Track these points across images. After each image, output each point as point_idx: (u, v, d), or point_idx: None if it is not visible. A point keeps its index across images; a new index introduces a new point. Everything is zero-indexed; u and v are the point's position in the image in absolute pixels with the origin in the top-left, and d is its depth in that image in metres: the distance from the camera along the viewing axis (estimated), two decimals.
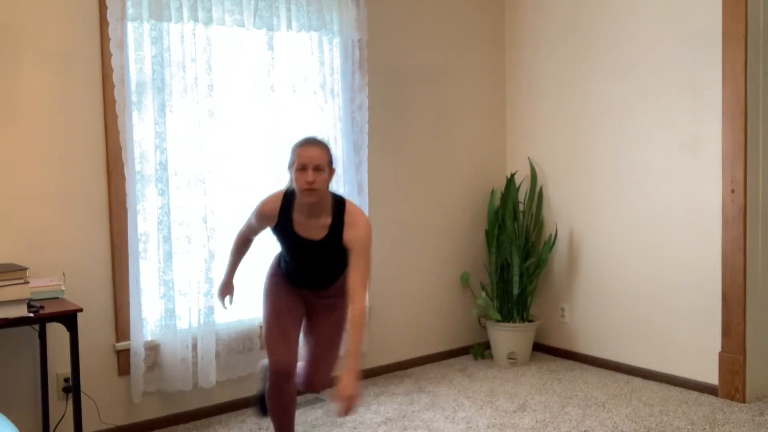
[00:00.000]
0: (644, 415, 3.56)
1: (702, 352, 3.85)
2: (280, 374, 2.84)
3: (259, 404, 3.23)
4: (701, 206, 3.81)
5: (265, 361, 3.21)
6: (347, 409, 2.61)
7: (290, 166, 2.77)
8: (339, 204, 2.83)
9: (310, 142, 2.76)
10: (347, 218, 2.81)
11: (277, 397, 2.90)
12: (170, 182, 3.43)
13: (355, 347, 2.67)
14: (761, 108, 3.67)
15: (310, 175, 2.68)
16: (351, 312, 2.70)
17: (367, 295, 2.77)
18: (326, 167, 2.74)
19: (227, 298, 3.25)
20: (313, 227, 2.83)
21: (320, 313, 3.03)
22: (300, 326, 3.02)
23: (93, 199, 3.32)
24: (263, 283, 3.04)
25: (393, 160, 4.34)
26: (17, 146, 3.12)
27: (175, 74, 3.41)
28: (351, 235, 2.79)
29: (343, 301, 3.01)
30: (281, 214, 2.84)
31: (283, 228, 2.86)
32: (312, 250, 2.85)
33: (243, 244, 3.13)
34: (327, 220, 2.81)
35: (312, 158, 2.69)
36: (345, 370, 2.64)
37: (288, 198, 2.84)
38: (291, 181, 2.81)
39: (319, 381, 3.01)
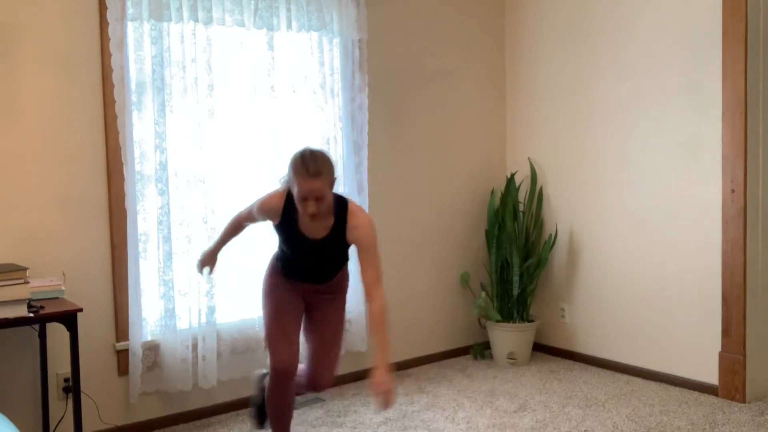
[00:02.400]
0: (644, 415, 3.56)
1: (702, 352, 3.85)
2: (282, 373, 2.85)
3: (257, 414, 3.20)
4: (701, 206, 3.81)
5: (260, 371, 3.26)
6: (387, 403, 2.63)
7: (291, 185, 2.72)
8: (341, 205, 2.83)
9: (311, 174, 2.63)
10: (350, 219, 2.81)
11: (279, 397, 2.91)
12: (170, 182, 3.43)
13: (384, 342, 2.68)
14: (761, 108, 3.67)
15: (312, 206, 2.66)
16: (372, 309, 2.71)
17: (383, 290, 2.77)
18: (328, 191, 2.69)
19: (207, 268, 3.18)
20: (315, 227, 2.83)
21: (319, 309, 3.03)
22: (300, 324, 3.02)
23: (93, 199, 3.32)
24: (262, 283, 3.04)
25: (393, 160, 4.34)
26: (17, 146, 3.12)
27: (175, 74, 3.41)
28: (356, 235, 2.79)
29: (342, 297, 3.04)
30: (284, 212, 2.84)
31: (287, 225, 2.85)
32: (314, 247, 2.86)
33: (237, 228, 3.08)
34: (330, 220, 2.82)
35: (313, 191, 2.64)
36: (378, 366, 2.64)
37: (291, 199, 2.83)
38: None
39: (323, 380, 2.99)
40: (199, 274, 3.24)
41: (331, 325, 3.02)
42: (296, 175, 2.66)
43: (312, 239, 2.84)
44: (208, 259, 3.17)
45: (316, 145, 3.89)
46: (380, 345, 2.68)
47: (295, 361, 2.88)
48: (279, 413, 2.95)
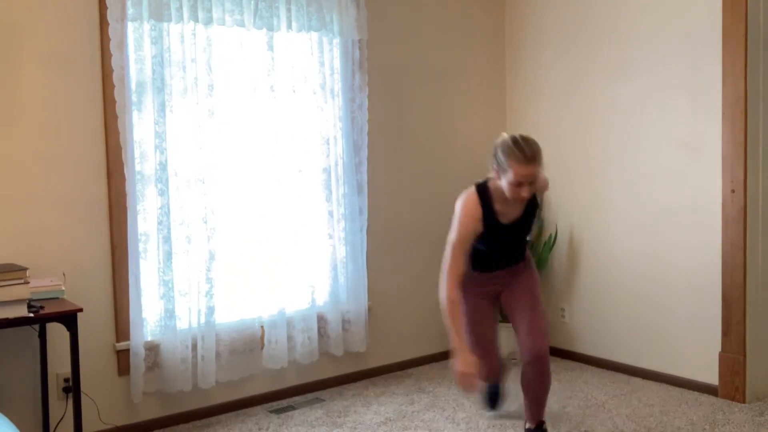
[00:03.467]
0: (644, 415, 3.56)
1: (702, 352, 3.85)
2: (488, 381, 3.21)
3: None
4: (701, 206, 3.81)
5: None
6: (465, 387, 2.79)
7: (501, 170, 2.74)
8: None
9: (528, 159, 2.66)
10: (538, 186, 2.87)
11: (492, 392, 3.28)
12: (170, 182, 3.43)
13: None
14: (761, 108, 3.67)
15: (525, 191, 2.70)
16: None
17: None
18: (539, 175, 2.77)
19: (476, 376, 2.83)
20: (513, 209, 2.87)
21: (513, 284, 3.06)
22: (497, 328, 3.13)
23: (93, 199, 3.32)
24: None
25: (393, 160, 4.34)
26: (17, 146, 3.12)
27: (175, 74, 3.41)
28: (540, 189, 2.90)
29: (527, 269, 3.11)
30: (484, 211, 2.85)
31: (488, 223, 2.86)
32: (512, 231, 2.90)
33: (462, 262, 2.86)
34: None
35: (527, 176, 2.68)
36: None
37: (482, 193, 2.85)
38: (494, 177, 2.83)
39: (538, 344, 2.95)
40: (472, 390, 2.91)
41: (524, 294, 3.03)
42: (512, 160, 2.67)
43: (509, 224, 2.88)
44: (472, 364, 2.81)
45: (317, 143, 3.90)
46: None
47: (497, 370, 3.20)
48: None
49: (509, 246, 2.99)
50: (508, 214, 2.89)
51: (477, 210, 2.85)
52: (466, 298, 2.98)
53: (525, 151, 2.66)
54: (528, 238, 3.10)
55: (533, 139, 2.76)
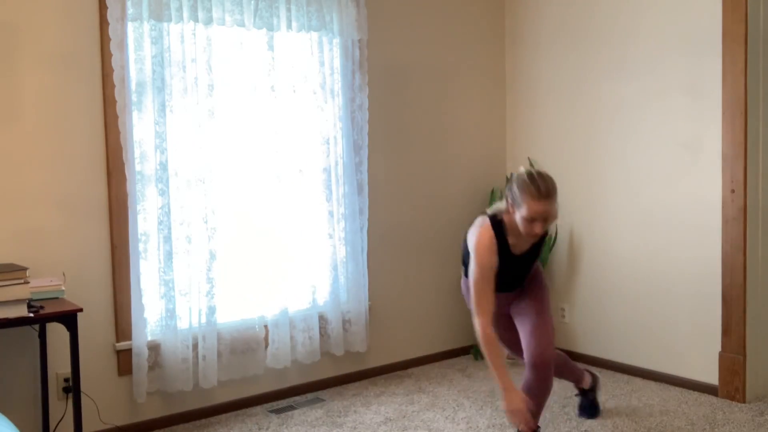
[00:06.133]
0: (644, 415, 3.56)
1: (702, 352, 3.85)
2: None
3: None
4: (701, 206, 3.81)
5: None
6: (518, 422, 2.78)
7: (516, 204, 2.73)
8: None
9: (542, 195, 2.65)
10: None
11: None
12: (170, 182, 3.43)
13: (492, 367, 2.83)
14: (761, 108, 3.67)
15: (539, 227, 2.70)
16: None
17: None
18: (556, 212, 2.74)
19: (526, 410, 2.80)
20: (526, 241, 2.87)
21: (522, 295, 3.07)
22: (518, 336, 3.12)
23: (93, 199, 3.32)
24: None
25: (393, 160, 4.34)
26: (17, 146, 3.12)
27: (175, 74, 3.41)
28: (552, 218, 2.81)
29: (536, 280, 3.09)
30: (499, 244, 2.84)
31: (503, 254, 2.86)
32: (524, 260, 2.92)
33: (491, 297, 2.83)
34: None
35: (542, 213, 2.67)
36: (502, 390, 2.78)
37: (496, 226, 2.84)
38: (507, 209, 2.82)
39: (539, 350, 2.90)
40: (522, 425, 2.89)
41: (531, 302, 3.01)
42: (527, 196, 2.67)
43: (520, 254, 2.90)
44: (518, 401, 2.80)
45: (317, 143, 3.90)
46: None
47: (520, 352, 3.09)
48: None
49: (519, 273, 3.00)
50: (520, 245, 2.90)
51: (493, 243, 2.82)
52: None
53: (540, 188, 2.66)
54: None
55: (549, 176, 2.75)
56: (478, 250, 2.82)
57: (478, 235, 2.85)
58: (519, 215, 2.72)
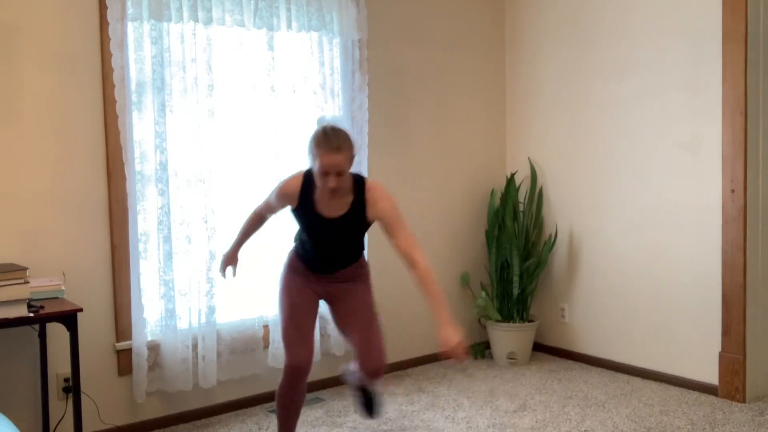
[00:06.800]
0: (644, 415, 3.56)
1: (702, 352, 3.85)
2: (294, 371, 2.86)
3: (365, 404, 3.27)
4: (701, 206, 3.81)
5: (345, 367, 3.30)
6: (459, 356, 2.64)
7: (311, 159, 2.75)
8: (359, 182, 2.85)
9: (332, 148, 2.66)
10: (369, 195, 2.83)
11: (289, 395, 2.92)
12: (170, 182, 3.43)
13: (439, 300, 2.69)
14: (761, 108, 3.67)
15: (332, 180, 2.69)
16: (418, 272, 2.73)
17: (422, 250, 2.76)
18: (348, 166, 2.72)
19: (229, 269, 3.21)
20: (334, 205, 2.84)
21: (342, 300, 3.02)
22: (315, 320, 3.02)
23: (93, 199, 3.32)
24: (280, 276, 3.04)
25: (393, 160, 4.34)
26: (17, 146, 3.12)
27: (175, 74, 3.41)
28: (378, 210, 2.81)
29: (363, 283, 3.04)
30: (302, 194, 2.84)
31: (304, 208, 2.85)
32: (333, 227, 2.86)
33: (257, 221, 3.09)
34: (349, 198, 2.83)
35: (333, 165, 2.67)
36: (441, 324, 2.65)
37: (309, 178, 2.84)
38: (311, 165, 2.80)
39: (374, 366, 2.94)
40: (222, 276, 3.23)
41: (359, 312, 2.99)
42: (318, 149, 2.69)
43: (330, 218, 2.84)
44: (230, 260, 3.19)
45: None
46: (437, 303, 2.69)
47: (309, 359, 2.90)
48: (287, 410, 2.96)
49: (330, 244, 2.91)
50: (329, 207, 2.84)
51: (294, 188, 2.84)
52: (293, 278, 2.98)
53: (330, 141, 2.68)
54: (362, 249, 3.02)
55: (344, 130, 2.77)
56: (278, 186, 2.89)
57: (286, 178, 2.90)
58: (316, 173, 2.73)
